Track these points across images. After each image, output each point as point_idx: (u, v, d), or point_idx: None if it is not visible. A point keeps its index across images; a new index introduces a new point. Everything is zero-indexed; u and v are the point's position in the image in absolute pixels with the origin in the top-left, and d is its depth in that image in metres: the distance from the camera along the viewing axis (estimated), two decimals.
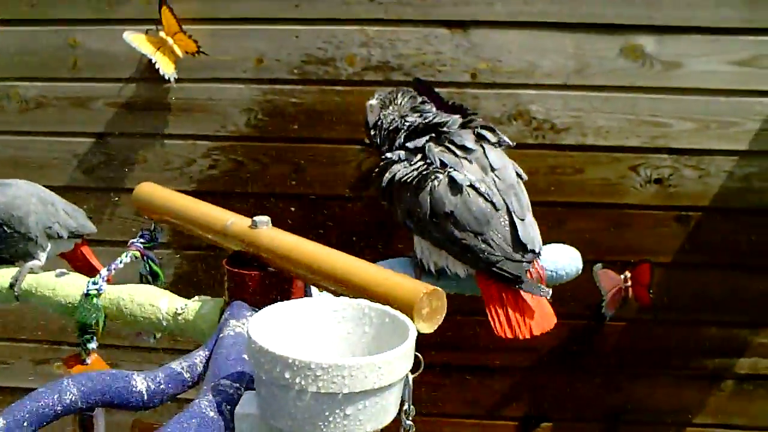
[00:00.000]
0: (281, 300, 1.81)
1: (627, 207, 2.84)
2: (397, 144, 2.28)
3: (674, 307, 2.88)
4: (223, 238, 1.98)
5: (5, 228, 2.29)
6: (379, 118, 2.36)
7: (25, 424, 1.54)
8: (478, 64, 2.82)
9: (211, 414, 1.45)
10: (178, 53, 2.91)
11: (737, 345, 2.94)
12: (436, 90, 2.74)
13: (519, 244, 2.09)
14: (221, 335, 1.72)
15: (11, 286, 2.27)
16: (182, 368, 1.72)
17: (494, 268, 2.05)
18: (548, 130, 2.83)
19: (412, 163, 2.17)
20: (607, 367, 2.98)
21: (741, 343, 2.94)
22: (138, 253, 2.24)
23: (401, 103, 2.35)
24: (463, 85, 2.82)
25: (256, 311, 1.79)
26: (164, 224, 2.29)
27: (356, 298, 1.56)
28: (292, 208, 2.97)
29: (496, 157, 2.19)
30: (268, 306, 1.54)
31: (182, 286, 3.01)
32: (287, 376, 1.31)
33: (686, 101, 2.79)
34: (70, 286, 2.20)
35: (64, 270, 2.28)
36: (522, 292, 2.07)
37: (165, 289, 2.18)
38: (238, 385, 1.55)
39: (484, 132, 2.23)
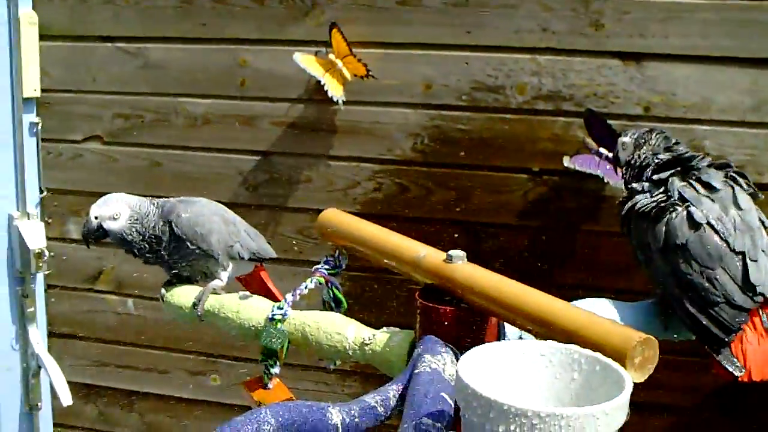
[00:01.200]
0: (475, 337, 1.81)
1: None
2: (644, 177, 2.26)
3: None
4: (414, 269, 1.98)
5: (189, 244, 2.34)
6: (633, 157, 2.32)
7: None
8: (651, 97, 2.78)
9: None
10: (347, 76, 2.93)
11: None
12: (609, 122, 2.72)
13: (748, 285, 2.07)
14: (416, 371, 1.72)
15: (194, 305, 2.31)
16: (376, 402, 1.72)
17: (711, 310, 2.03)
18: None
19: (654, 195, 2.15)
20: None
21: None
22: (323, 279, 2.25)
23: (656, 143, 2.31)
24: (636, 117, 2.78)
25: (450, 347, 1.80)
26: (345, 250, 2.30)
27: (561, 342, 1.54)
28: (456, 235, 2.97)
29: (744, 200, 2.16)
30: (468, 344, 1.54)
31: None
32: (501, 422, 1.30)
33: None
34: (253, 309, 2.23)
35: (247, 293, 2.31)
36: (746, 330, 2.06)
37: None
38: (440, 425, 1.55)
39: (737, 176, 2.20)
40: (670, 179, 2.15)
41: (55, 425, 3.62)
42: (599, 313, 2.01)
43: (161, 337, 3.41)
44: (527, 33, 2.83)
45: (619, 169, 2.42)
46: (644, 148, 2.29)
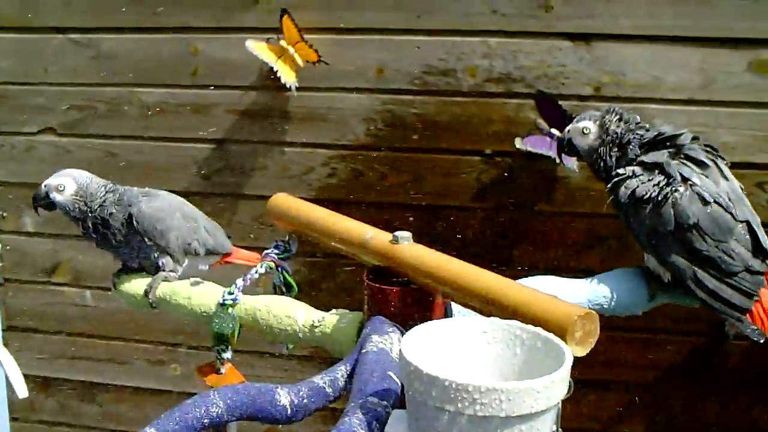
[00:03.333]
0: (422, 316, 1.82)
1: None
2: (627, 159, 2.25)
3: None
4: (361, 251, 1.99)
5: (146, 240, 2.34)
6: (602, 140, 2.30)
7: None
8: (601, 77, 2.79)
9: None
10: (299, 62, 2.93)
11: None
12: (560, 103, 2.73)
13: (761, 251, 2.13)
14: (363, 351, 1.73)
15: (146, 293, 2.32)
16: (325, 383, 1.73)
17: (733, 280, 2.07)
18: None
19: (651, 178, 2.16)
20: (728, 387, 2.92)
21: None
22: (273, 264, 2.26)
23: (626, 119, 2.30)
24: (586, 98, 2.79)
25: (397, 327, 1.81)
26: (295, 234, 2.30)
27: (505, 318, 1.55)
28: (410, 218, 2.98)
29: (727, 171, 2.20)
30: (414, 323, 1.54)
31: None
32: (443, 398, 1.31)
33: None
34: (205, 295, 2.24)
35: (199, 279, 2.31)
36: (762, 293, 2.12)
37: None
38: (386, 402, 1.55)
39: (710, 148, 2.24)
40: (665, 161, 2.16)
41: (13, 419, 3.60)
42: (568, 289, 2.06)
43: (120, 327, 3.39)
44: (477, 16, 2.84)
45: (569, 157, 2.44)
46: (612, 128, 2.27)
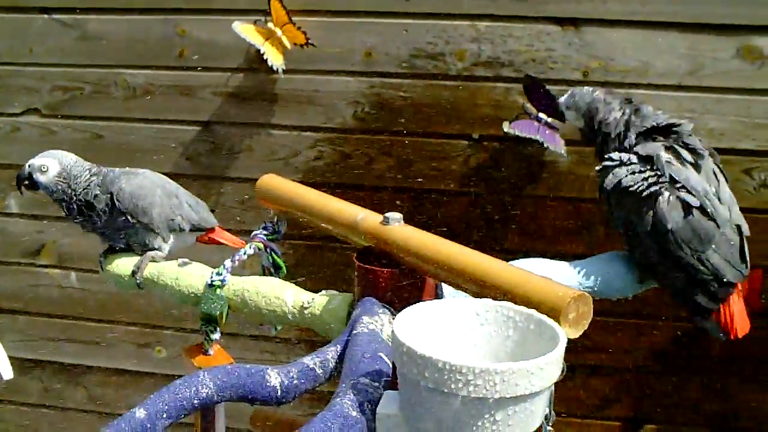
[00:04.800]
0: (412, 298, 1.82)
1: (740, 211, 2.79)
2: (626, 145, 2.25)
3: None
4: (352, 232, 1.98)
5: (129, 217, 2.33)
6: (603, 118, 2.31)
7: (165, 416, 1.55)
8: (589, 62, 2.80)
9: (354, 413, 1.46)
10: (286, 44, 2.92)
11: None
12: (548, 87, 2.73)
13: (743, 258, 2.15)
14: (354, 332, 1.73)
15: (133, 273, 2.31)
16: (315, 364, 1.73)
17: (696, 288, 2.09)
18: None
19: (640, 171, 2.16)
20: (713, 372, 2.94)
21: None
22: (261, 245, 2.25)
23: (630, 101, 2.30)
24: (574, 83, 2.78)
25: (387, 308, 1.81)
26: (285, 216, 2.30)
27: (498, 300, 1.55)
28: (398, 202, 2.98)
29: (717, 169, 2.21)
30: (405, 305, 1.54)
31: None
32: (436, 379, 1.31)
33: None
34: (192, 276, 2.23)
35: (187, 260, 2.30)
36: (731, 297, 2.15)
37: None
38: (377, 384, 1.55)
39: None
40: (656, 155, 2.16)
41: None
42: (559, 271, 2.07)
43: (105, 310, 3.39)
44: None
45: (558, 136, 2.44)
46: (608, 111, 2.27)
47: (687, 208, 2.07)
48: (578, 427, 3.03)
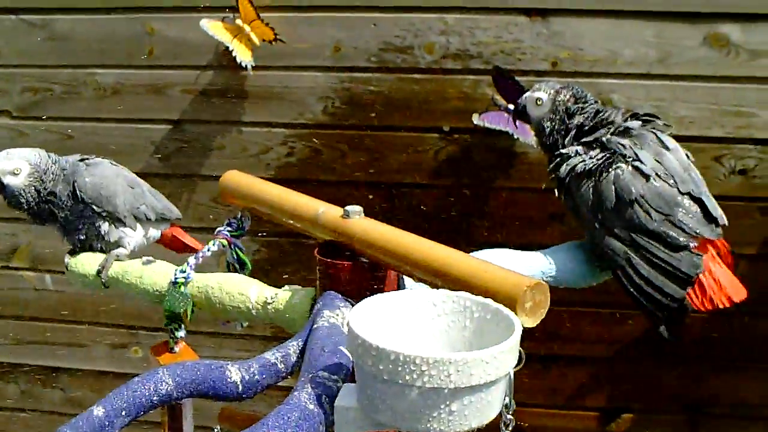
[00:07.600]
0: (374, 291, 1.81)
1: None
2: (568, 140, 2.25)
3: (759, 299, 2.83)
4: (313, 227, 1.97)
5: (94, 207, 2.31)
6: (552, 116, 2.29)
7: (123, 413, 1.55)
8: (558, 52, 2.80)
9: (311, 407, 1.45)
10: (255, 41, 2.91)
11: None
12: (517, 78, 2.73)
13: (710, 218, 2.12)
14: (315, 326, 1.72)
15: (98, 273, 2.29)
16: (276, 359, 1.71)
17: (674, 259, 2.07)
18: None
19: (592, 155, 2.15)
20: (689, 358, 2.94)
21: None
22: (225, 242, 2.24)
23: (581, 97, 2.29)
24: (543, 73, 2.80)
25: (349, 302, 1.80)
26: (248, 212, 2.28)
27: (455, 290, 1.54)
28: (370, 196, 2.97)
29: (668, 140, 2.18)
30: (366, 298, 1.52)
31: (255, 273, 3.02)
32: (391, 370, 1.30)
33: None
34: (157, 274, 2.21)
35: (151, 258, 2.29)
36: (711, 263, 2.12)
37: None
38: (336, 377, 1.54)
39: (649, 119, 2.23)
40: (605, 138, 2.16)
41: None
42: (523, 261, 2.06)
43: (80, 311, 3.37)
44: None
45: (529, 128, 2.43)
46: (561, 108, 2.27)
47: (645, 176, 2.07)
48: (556, 418, 3.02)
